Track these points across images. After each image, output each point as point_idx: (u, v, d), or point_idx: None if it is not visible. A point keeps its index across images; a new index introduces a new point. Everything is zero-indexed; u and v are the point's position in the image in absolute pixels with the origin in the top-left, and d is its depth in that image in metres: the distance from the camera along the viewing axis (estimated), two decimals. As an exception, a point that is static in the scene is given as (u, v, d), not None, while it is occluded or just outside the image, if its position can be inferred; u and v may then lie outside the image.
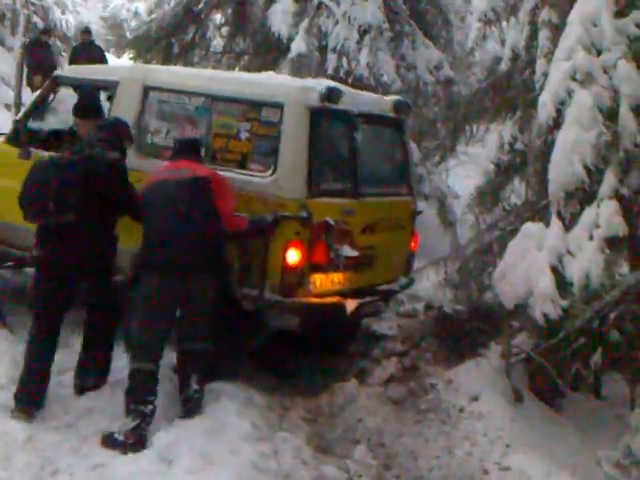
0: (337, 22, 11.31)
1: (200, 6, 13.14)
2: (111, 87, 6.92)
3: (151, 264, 5.46)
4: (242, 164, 6.14)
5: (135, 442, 5.16)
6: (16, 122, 7.33)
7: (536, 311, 5.53)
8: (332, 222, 5.98)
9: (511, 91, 8.29)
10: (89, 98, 6.75)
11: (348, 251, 6.11)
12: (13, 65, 17.54)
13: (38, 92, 7.78)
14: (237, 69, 13.43)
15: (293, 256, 5.83)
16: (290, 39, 11.59)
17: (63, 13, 21.02)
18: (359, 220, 6.34)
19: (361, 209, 6.37)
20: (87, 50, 14.93)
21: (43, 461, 5.02)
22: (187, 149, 5.77)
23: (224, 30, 14.12)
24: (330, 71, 11.15)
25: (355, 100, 6.46)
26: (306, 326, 6.26)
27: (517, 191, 8.52)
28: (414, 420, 5.91)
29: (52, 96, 7.41)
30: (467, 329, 7.01)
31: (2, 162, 7.01)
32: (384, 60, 11.29)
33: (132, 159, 6.20)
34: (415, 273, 8.50)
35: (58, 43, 19.59)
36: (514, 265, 5.84)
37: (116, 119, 6.21)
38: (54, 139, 7.00)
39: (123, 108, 6.62)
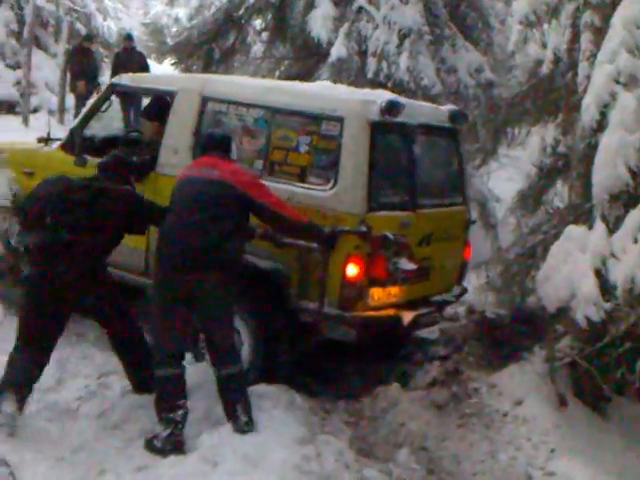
0: (377, 26, 11.32)
1: (240, 12, 13.24)
2: (168, 97, 6.93)
3: (159, 259, 5.45)
4: (301, 177, 6.10)
5: (172, 449, 5.21)
6: (72, 129, 7.34)
7: (579, 315, 5.50)
8: (391, 236, 5.94)
9: (553, 94, 8.23)
10: (160, 102, 6.83)
11: (407, 264, 6.07)
12: (57, 71, 17.84)
13: (93, 99, 7.83)
14: (277, 74, 13.52)
15: (353, 270, 5.84)
16: (330, 44, 11.63)
17: (105, 20, 21.29)
18: (416, 232, 6.33)
19: (418, 221, 6.34)
20: (129, 56, 15.14)
21: (90, 461, 5.09)
22: (215, 145, 5.70)
23: (264, 35, 14.19)
24: (370, 75, 11.17)
25: (414, 111, 6.41)
26: (363, 338, 6.18)
27: (560, 194, 8.44)
28: (457, 424, 5.88)
29: (107, 103, 7.47)
30: (510, 333, 6.96)
31: (58, 169, 7.04)
32: (424, 64, 11.27)
33: None
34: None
35: (100, 49, 19.85)
36: (557, 268, 5.81)
37: (115, 155, 6.03)
38: (109, 146, 7.04)
39: (181, 118, 6.65)
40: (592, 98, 5.62)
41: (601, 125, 5.61)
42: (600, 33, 6.40)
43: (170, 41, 23.71)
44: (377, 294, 6.07)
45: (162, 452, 5.20)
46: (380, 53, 11.18)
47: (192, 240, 5.27)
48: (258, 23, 14.24)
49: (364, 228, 5.79)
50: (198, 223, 5.28)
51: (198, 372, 5.80)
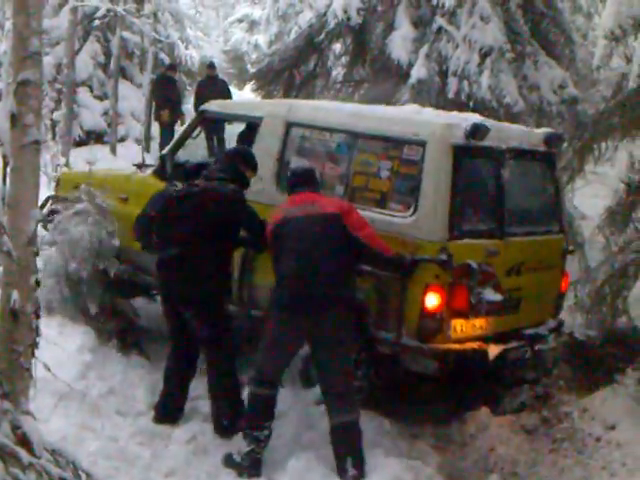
0: (457, 46, 11.27)
1: (321, 37, 13.34)
2: (255, 122, 6.98)
3: (284, 302, 5.37)
4: (382, 203, 5.96)
5: (249, 465, 5.26)
6: (163, 156, 7.46)
7: (674, 336, 5.34)
8: (474, 265, 5.71)
9: (640, 109, 8.07)
10: (253, 128, 7.03)
11: (492, 295, 5.82)
12: (142, 101, 18.28)
13: (185, 126, 7.99)
14: (356, 97, 13.57)
15: (432, 301, 5.62)
16: (410, 65, 11.62)
17: (187, 48, 21.74)
18: (504, 261, 6.06)
19: (506, 249, 6.07)
20: (212, 84, 15.42)
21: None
22: (304, 181, 5.65)
23: (344, 59, 14.26)
24: (451, 95, 11.12)
25: (503, 135, 6.19)
26: (445, 372, 6.00)
27: (650, 211, 8.24)
28: (548, 449, 5.76)
29: (198, 130, 7.59)
30: (601, 355, 6.78)
31: (150, 194, 7.19)
32: (506, 82, 11.16)
33: (274, 195, 6.32)
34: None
35: (183, 78, 20.28)
36: (650, 288, 5.66)
37: (235, 149, 6.32)
38: (200, 172, 7.14)
39: (266, 144, 6.66)
40: (681, 113, 5.47)
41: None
42: (689, 46, 6.25)
43: (251, 68, 24.12)
44: (460, 326, 5.83)
45: (239, 467, 5.26)
46: (461, 73, 11.11)
47: (318, 279, 5.24)
48: (338, 47, 14.34)
49: (444, 256, 5.57)
50: (321, 261, 5.27)
51: (287, 398, 5.81)
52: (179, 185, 6.04)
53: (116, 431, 5.64)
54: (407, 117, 6.39)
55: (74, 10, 15.09)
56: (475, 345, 5.89)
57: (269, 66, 14.09)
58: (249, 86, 15.53)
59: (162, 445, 5.60)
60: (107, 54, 18.58)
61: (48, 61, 16.49)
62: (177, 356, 5.96)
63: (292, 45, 14.21)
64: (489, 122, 6.21)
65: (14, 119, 4.15)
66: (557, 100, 11.88)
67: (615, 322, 7.22)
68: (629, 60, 8.83)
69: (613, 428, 5.72)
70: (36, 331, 4.95)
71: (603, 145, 9.25)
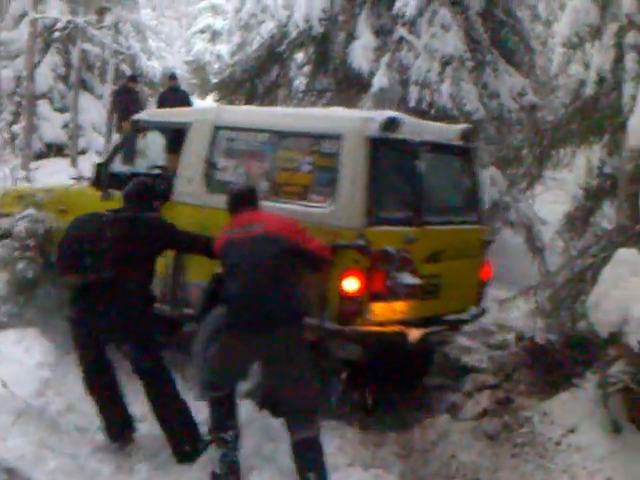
0: (418, 55, 11.38)
1: (282, 47, 13.40)
2: (185, 128, 7.14)
3: (232, 324, 5.35)
4: (304, 196, 6.18)
5: (226, 472, 5.18)
6: (98, 165, 7.63)
7: (632, 339, 5.38)
8: (392, 250, 5.93)
9: (598, 115, 8.16)
10: (181, 135, 7.07)
11: (408, 279, 6.03)
12: (103, 113, 18.18)
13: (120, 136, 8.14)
14: (319, 106, 13.61)
15: (351, 284, 5.81)
16: (371, 74, 11.71)
17: (149, 59, 21.68)
18: (422, 248, 6.27)
19: (424, 237, 6.29)
20: (174, 95, 15.36)
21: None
22: (244, 200, 5.63)
23: (306, 69, 14.32)
24: (412, 104, 11.19)
25: (418, 129, 6.46)
26: (369, 356, 6.17)
27: (607, 216, 8.34)
28: (510, 454, 5.76)
29: (132, 140, 7.81)
30: (561, 359, 6.81)
31: (86, 204, 7.17)
32: (467, 90, 11.29)
33: (203, 196, 6.57)
34: (504, 302, 8.43)
35: (145, 89, 20.20)
36: (608, 293, 5.69)
37: (138, 182, 6.09)
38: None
39: (195, 147, 6.90)
40: (638, 119, 5.55)
41: (648, 146, 5.53)
42: (645, 53, 6.34)
43: (213, 78, 24.07)
44: (379, 309, 6.00)
45: (219, 477, 5.18)
46: (422, 81, 11.23)
47: (263, 299, 5.19)
48: (300, 57, 14.40)
49: (362, 242, 5.78)
50: (264, 282, 5.22)
51: (248, 409, 5.78)
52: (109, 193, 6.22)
53: (75, 448, 5.53)
54: (325, 114, 6.80)
55: (34, 22, 15.01)
56: (395, 328, 6.05)
57: (231, 76, 14.14)
58: (211, 96, 15.49)
59: (122, 461, 5.53)
60: (68, 66, 18.50)
61: (7, 74, 16.44)
62: (101, 373, 5.70)
63: (254, 55, 14.28)
64: (405, 117, 6.46)
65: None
66: (517, 107, 12.04)
67: (574, 326, 7.28)
68: (587, 67, 8.94)
69: (573, 431, 5.74)
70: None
71: (562, 151, 9.35)
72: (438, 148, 6.66)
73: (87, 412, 5.95)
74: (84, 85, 18.71)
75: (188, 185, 6.75)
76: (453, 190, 7.07)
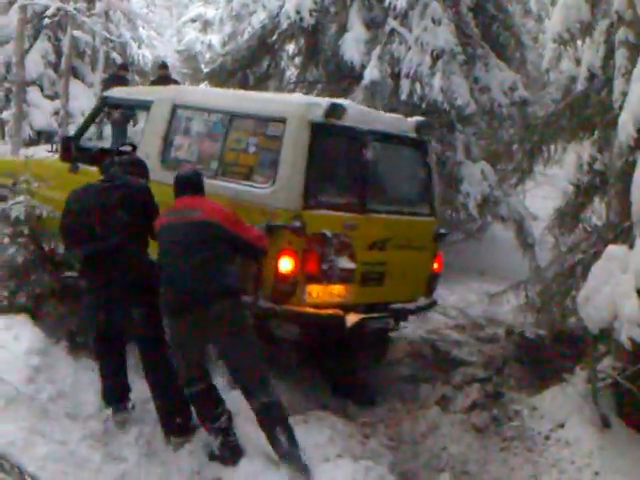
0: (409, 48, 11.37)
1: (274, 37, 13.35)
2: (147, 106, 7.29)
3: (167, 307, 5.48)
4: (248, 177, 6.26)
5: (230, 454, 5.29)
6: (65, 139, 7.81)
7: (622, 335, 5.40)
8: (329, 234, 5.99)
9: (588, 111, 8.17)
10: None
11: (344, 263, 6.10)
12: (93, 100, 18.07)
13: (89, 112, 8.25)
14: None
15: (285, 264, 5.88)
16: (363, 66, 11.70)
17: (140, 47, 21.57)
18: (365, 235, 6.34)
19: (367, 224, 6.35)
20: (164, 84, 15.25)
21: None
22: (188, 186, 5.74)
23: (297, 60, 14.30)
24: (404, 97, 11.20)
25: (367, 118, 6.52)
26: (306, 337, 6.28)
27: (597, 212, 8.36)
28: (499, 448, 5.81)
29: (101, 115, 7.91)
30: (551, 354, 6.88)
31: (54, 176, 7.40)
32: (458, 83, 11.30)
33: (159, 172, 6.63)
34: (494, 297, 8.47)
35: (136, 77, 20.12)
36: (598, 288, 5.72)
37: (135, 157, 6.55)
38: (101, 156, 7.31)
39: (154, 125, 7.03)
40: (629, 115, 5.56)
41: (639, 142, 5.54)
42: (635, 49, 6.36)
43: (204, 67, 23.99)
44: (316, 291, 6.07)
45: (224, 459, 5.30)
46: (413, 74, 11.22)
47: (194, 282, 5.32)
48: (291, 48, 14.37)
49: (297, 224, 5.85)
50: (195, 266, 5.33)
51: (235, 399, 5.78)
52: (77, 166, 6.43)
53: (65, 434, 5.52)
54: (272, 97, 6.95)
55: (23, 8, 14.89)
56: (331, 311, 6.12)
57: (222, 66, 14.10)
58: (203, 86, 15.42)
59: (112, 448, 5.53)
60: (58, 53, 18.38)
61: (-4, 60, 16.29)
62: (110, 340, 5.90)
63: (245, 45, 14.22)
64: (353, 105, 6.59)
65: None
66: (508, 102, 12.05)
67: (564, 321, 7.33)
68: (578, 63, 8.95)
69: (562, 426, 5.79)
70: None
71: (552, 147, 9.37)
72: (389, 138, 6.70)
73: (77, 399, 5.95)
74: (74, 72, 18.61)
75: (146, 161, 6.70)
76: (404, 181, 7.07)
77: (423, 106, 11.26)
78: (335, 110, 6.11)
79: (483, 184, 11.46)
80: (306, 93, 13.72)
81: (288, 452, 5.24)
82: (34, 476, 4.39)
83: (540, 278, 8.01)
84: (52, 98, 18.12)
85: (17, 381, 5.84)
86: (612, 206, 7.34)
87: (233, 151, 6.46)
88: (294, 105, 6.29)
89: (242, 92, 7.76)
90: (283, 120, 6.12)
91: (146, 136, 7.10)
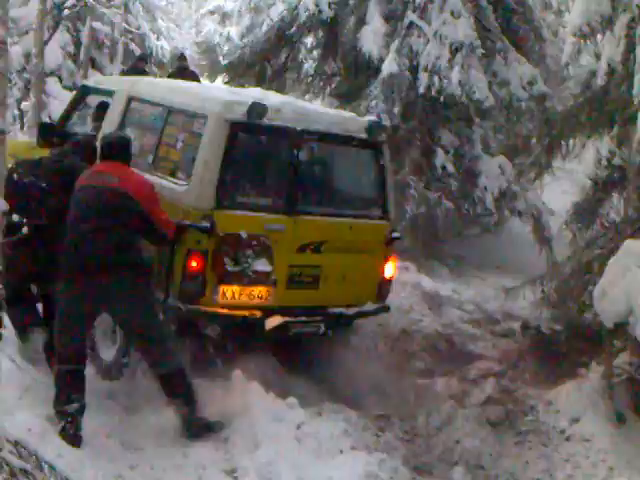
0: (428, 41, 11.33)
1: (292, 30, 13.34)
2: (111, 96, 7.32)
3: (66, 271, 5.46)
4: (173, 172, 6.26)
5: (69, 442, 5.18)
6: (41, 125, 8.02)
7: (637, 330, 5.39)
8: (244, 235, 5.94)
9: (608, 106, 8.12)
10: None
11: (260, 265, 6.03)
12: (112, 92, 18.12)
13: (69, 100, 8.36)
14: (328, 91, 13.59)
15: (192, 265, 5.88)
16: (381, 60, 11.66)
17: (158, 39, 21.60)
18: (294, 237, 6.25)
19: (296, 226, 6.25)
20: (182, 76, 15.29)
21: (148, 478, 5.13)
22: (114, 151, 5.74)
23: (315, 53, 14.27)
24: (422, 90, 11.17)
25: (305, 118, 6.36)
26: (227, 336, 6.26)
27: (616, 207, 8.31)
28: (513, 442, 5.81)
29: (80, 104, 7.97)
30: (566, 349, 6.85)
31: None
32: (476, 77, 11.24)
33: None
34: (511, 291, 8.44)
35: (154, 69, 20.14)
36: (615, 283, 5.71)
37: (86, 137, 6.62)
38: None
39: (112, 115, 7.07)
40: (648, 110, 5.53)
41: (658, 137, 5.51)
42: (655, 44, 6.31)
43: (223, 60, 24.01)
44: (230, 292, 6.05)
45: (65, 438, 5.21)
46: (432, 68, 11.18)
47: (97, 245, 5.33)
48: (309, 41, 14.35)
49: (205, 224, 5.81)
50: (101, 231, 5.35)
51: (254, 391, 5.80)
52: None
53: (83, 422, 5.58)
54: (201, 93, 6.75)
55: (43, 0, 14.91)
56: (246, 312, 6.11)
57: (241, 58, 14.09)
58: (221, 78, 15.46)
59: (129, 437, 5.55)
60: (77, 44, 18.40)
61: (17, 51, 16.32)
62: None
63: (264, 38, 14.19)
64: (287, 103, 6.47)
65: (-21, 109, 4.12)
66: (526, 96, 11.98)
67: (580, 317, 7.29)
68: (598, 57, 8.88)
69: (577, 421, 5.79)
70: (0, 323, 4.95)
71: (571, 142, 9.32)
72: (331, 139, 6.53)
73: (93, 388, 5.98)
74: (93, 64, 18.66)
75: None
76: (347, 183, 6.96)
77: (441, 100, 11.24)
78: (255, 110, 5.99)
79: (501, 178, 11.42)
80: (323, 86, 13.80)
81: (187, 424, 5.42)
82: (51, 464, 4.42)
83: (557, 273, 7.97)
84: (70, 89, 18.12)
85: (34, 369, 5.90)
86: (631, 201, 7.28)
87: (165, 146, 6.47)
88: (215, 102, 6.20)
89: (184, 85, 7.70)
90: (204, 117, 6.07)
91: (105, 126, 7.02)
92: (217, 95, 6.59)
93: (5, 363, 5.29)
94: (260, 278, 6.09)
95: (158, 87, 7.32)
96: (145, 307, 5.51)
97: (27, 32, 17.09)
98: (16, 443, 4.41)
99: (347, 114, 7.26)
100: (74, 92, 8.59)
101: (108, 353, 6.30)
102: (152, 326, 5.53)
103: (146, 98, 6.88)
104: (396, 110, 11.19)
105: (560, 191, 12.34)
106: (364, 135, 6.63)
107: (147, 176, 6.08)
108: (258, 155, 6.38)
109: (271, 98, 6.46)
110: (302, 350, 6.89)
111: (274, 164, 6.42)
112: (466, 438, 5.91)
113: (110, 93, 7.37)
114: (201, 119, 6.10)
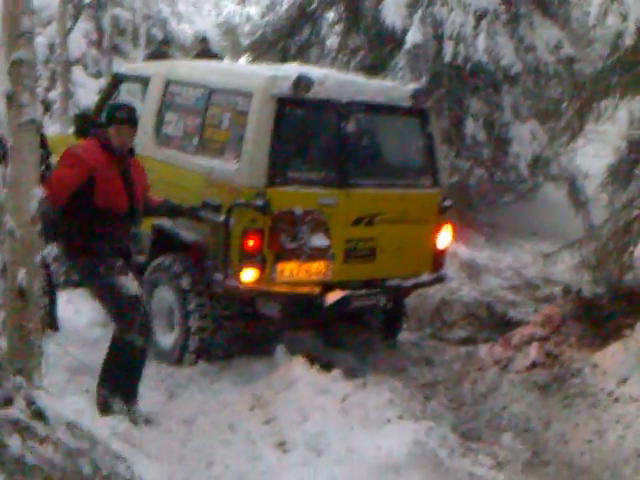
0: (452, 9, 11.24)
1: (313, 6, 13.29)
2: (146, 82, 7.30)
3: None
4: (221, 153, 6.23)
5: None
6: (77, 115, 7.99)
7: (681, 289, 5.35)
8: (298, 211, 5.92)
9: (638, 66, 8.01)
10: None
11: (317, 241, 6.01)
12: (137, 77, 18.16)
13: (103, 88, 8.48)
14: (352, 65, 13.52)
15: (249, 243, 5.86)
16: (405, 31, 11.58)
17: (179, 23, 21.60)
18: (347, 211, 6.20)
19: (348, 200, 6.19)
20: (206, 58, 15.30)
21: (198, 454, 5.16)
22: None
23: (338, 27, 14.20)
24: (448, 59, 11.09)
25: (348, 89, 6.28)
26: (287, 314, 6.25)
27: (652, 167, 8.23)
28: (561, 405, 5.77)
29: (115, 91, 7.91)
30: (609, 311, 6.78)
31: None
32: (502, 43, 11.15)
33: (152, 148, 6.76)
34: (549, 256, 8.38)
35: (177, 53, 20.15)
36: (656, 243, 5.66)
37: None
38: None
39: (150, 101, 7.06)
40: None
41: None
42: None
43: (244, 40, 23.94)
44: (288, 269, 6.03)
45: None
46: (456, 36, 11.10)
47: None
48: (331, 16, 14.28)
49: (260, 202, 5.79)
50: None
51: (298, 365, 5.82)
52: None
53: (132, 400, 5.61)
54: (243, 70, 6.79)
55: (64, -11, 14.94)
56: (306, 289, 6.09)
57: (263, 37, 14.12)
58: (244, 58, 15.43)
59: (182, 411, 5.58)
60: (99, 32, 18.46)
61: (41, 41, 16.38)
62: None
63: (285, 15, 14.18)
64: (329, 75, 6.40)
65: (10, 99, 4.14)
66: (554, 60, 11.85)
67: (621, 279, 7.23)
68: (624, 18, 8.76)
69: (625, 382, 5.73)
70: (44, 308, 4.99)
71: (602, 104, 9.20)
72: (376, 109, 6.49)
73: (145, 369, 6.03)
74: (117, 50, 18.71)
75: (143, 136, 6.69)
76: (397, 153, 6.91)
77: (468, 68, 11.15)
78: (301, 83, 5.93)
79: (533, 144, 11.33)
80: (348, 60, 13.72)
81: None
82: (106, 444, 4.46)
83: (595, 236, 7.89)
84: (96, 76, 18.23)
85: (80, 353, 5.96)
86: (667, 160, 7.22)
87: (210, 127, 6.43)
88: (259, 79, 6.15)
89: (225, 65, 7.77)
90: (249, 95, 6.02)
91: (144, 112, 6.97)
92: (260, 71, 6.59)
93: (52, 347, 5.35)
94: (318, 253, 6.09)
95: (197, 69, 7.34)
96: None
97: (49, 22, 17.17)
98: (69, 424, 4.46)
99: (389, 83, 7.25)
100: (107, 80, 8.49)
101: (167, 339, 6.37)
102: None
103: (186, 80, 6.83)
104: (423, 81, 11.11)
105: (593, 154, 12.23)
106: (410, 103, 6.59)
107: (194, 158, 6.22)
108: (306, 129, 6.34)
109: (313, 71, 6.42)
110: (343, 324, 6.90)
111: (322, 138, 6.38)
112: (513, 404, 5.90)
113: (145, 79, 7.33)
114: (246, 97, 6.05)
